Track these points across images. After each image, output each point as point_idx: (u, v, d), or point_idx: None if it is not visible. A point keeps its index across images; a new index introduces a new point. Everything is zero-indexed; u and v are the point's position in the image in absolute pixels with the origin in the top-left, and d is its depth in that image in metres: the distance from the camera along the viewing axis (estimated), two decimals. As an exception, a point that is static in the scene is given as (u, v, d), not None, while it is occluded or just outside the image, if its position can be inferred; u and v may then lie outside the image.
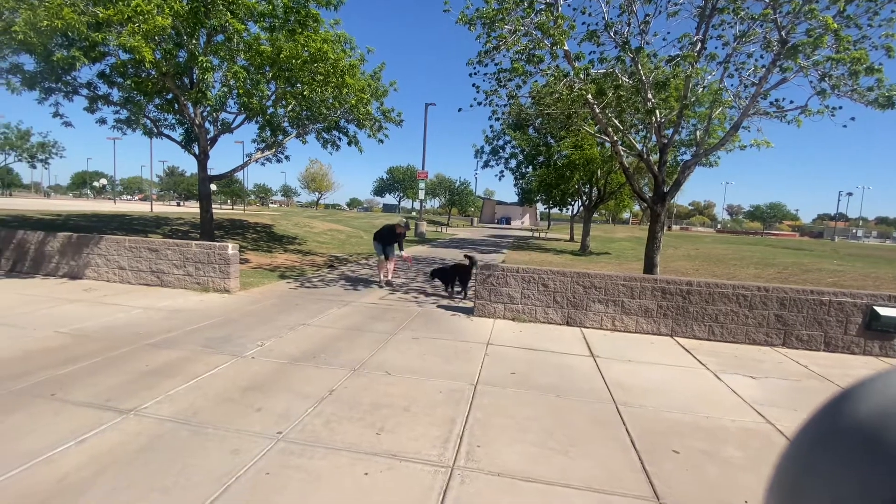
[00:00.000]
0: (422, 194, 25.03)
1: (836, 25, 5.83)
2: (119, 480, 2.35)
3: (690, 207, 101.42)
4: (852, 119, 6.94)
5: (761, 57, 7.04)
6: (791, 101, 7.09)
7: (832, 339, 5.58)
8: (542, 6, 6.79)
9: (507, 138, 20.50)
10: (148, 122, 11.49)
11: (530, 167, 21.75)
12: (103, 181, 78.00)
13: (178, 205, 56.87)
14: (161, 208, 33.43)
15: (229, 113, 11.00)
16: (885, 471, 0.27)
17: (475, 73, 7.93)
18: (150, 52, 7.48)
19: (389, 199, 80.00)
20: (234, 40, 8.87)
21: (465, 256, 8.30)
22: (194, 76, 9.65)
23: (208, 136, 10.89)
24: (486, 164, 22.12)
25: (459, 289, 8.00)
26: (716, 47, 7.21)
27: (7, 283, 7.23)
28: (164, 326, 5.16)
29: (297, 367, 4.05)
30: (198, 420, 3.02)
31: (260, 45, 8.92)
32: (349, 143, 12.58)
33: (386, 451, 2.71)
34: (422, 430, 3.01)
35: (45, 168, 26.17)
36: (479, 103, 8.37)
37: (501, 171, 20.90)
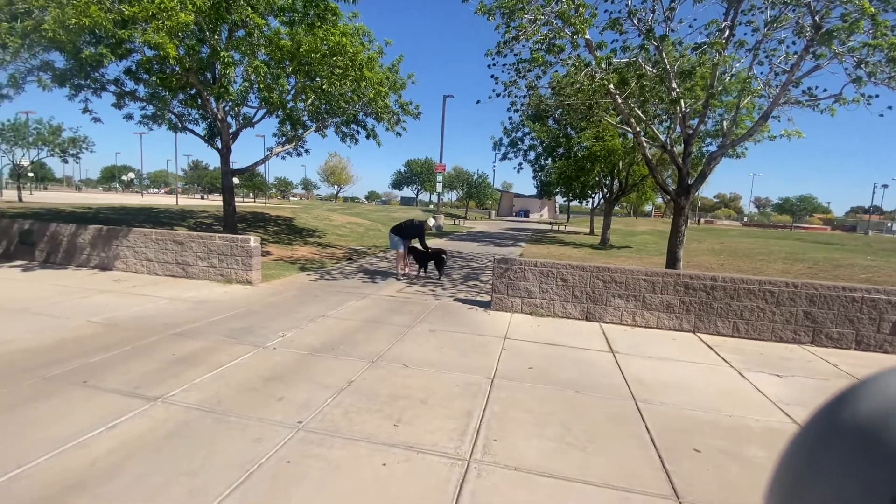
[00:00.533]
0: (439, 187, 25.00)
1: (872, 9, 5.54)
2: (147, 465, 2.44)
3: (715, 200, 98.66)
4: (889, 108, 6.63)
5: (793, 43, 6.77)
6: (824, 90, 6.81)
7: (864, 337, 5.37)
8: (564, -6, 6.65)
9: (526, 130, 20.25)
10: (172, 117, 11.76)
11: (549, 159, 21.45)
12: (131, 175, 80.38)
13: (202, 198, 58.24)
14: (186, 201, 34.29)
15: (250, 107, 11.18)
16: (887, 470, 0.27)
17: (494, 64, 7.84)
18: (174, 49, 7.63)
19: (407, 192, 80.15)
20: (255, 35, 8.97)
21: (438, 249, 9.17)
22: (216, 71, 9.82)
23: (230, 131, 11.08)
24: (504, 157, 21.92)
25: (433, 270, 9.04)
26: (745, 34, 6.94)
27: (42, 274, 7.54)
28: (189, 317, 5.31)
29: (317, 358, 4.12)
30: (222, 408, 3.11)
31: (280, 40, 9.00)
32: (367, 137, 12.63)
33: (403, 443, 2.74)
34: (439, 422, 3.03)
35: (76, 162, 27.10)
36: (498, 95, 8.28)
37: (520, 164, 20.66)
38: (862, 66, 6.08)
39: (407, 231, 8.73)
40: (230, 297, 6.45)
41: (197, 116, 12.29)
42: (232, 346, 4.35)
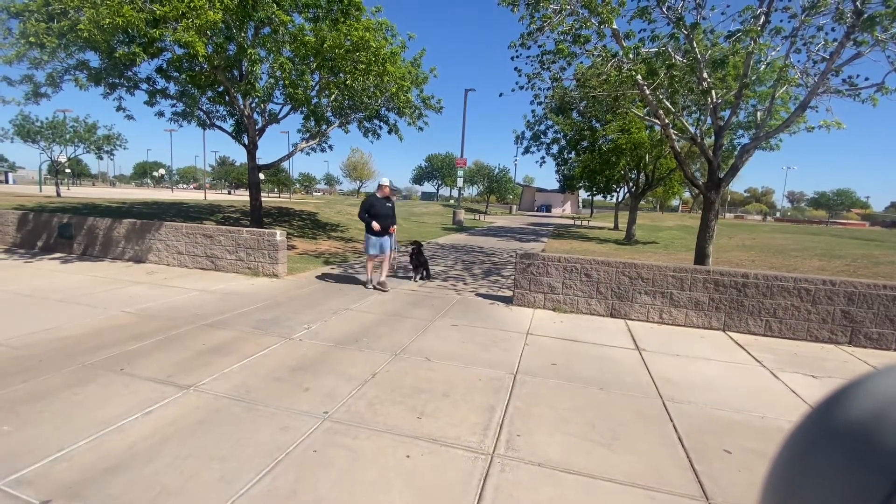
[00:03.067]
0: (460, 182, 24.94)
1: (923, -9, 5.22)
2: (182, 449, 2.53)
3: (746, 194, 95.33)
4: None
5: (833, 30, 6.42)
6: (866, 79, 6.46)
7: (908, 338, 5.11)
8: (590, -17, 6.49)
9: (549, 123, 19.93)
10: (201, 114, 12.07)
11: (573, 153, 21.09)
12: (162, 171, 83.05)
13: (229, 193, 59.74)
14: (214, 196, 35.24)
15: (276, 104, 11.36)
16: (879, 470, 0.27)
17: (517, 57, 7.74)
18: (203, 47, 7.81)
19: (428, 186, 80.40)
20: (280, 32, 9.10)
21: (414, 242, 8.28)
22: (244, 68, 10.01)
23: (257, 127, 11.30)
24: (526, 150, 21.65)
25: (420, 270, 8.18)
26: (781, 20, 6.68)
27: (79, 266, 7.87)
28: (218, 308, 5.46)
29: (341, 350, 4.18)
30: (250, 397, 3.19)
31: (304, 36, 9.10)
32: (389, 132, 12.69)
33: (427, 436, 2.76)
34: (461, 416, 3.04)
35: (111, 159, 28.08)
36: (521, 87, 8.18)
37: (542, 158, 20.34)
38: (908, 52, 5.74)
39: (379, 216, 6.90)
40: (257, 289, 6.61)
41: (224, 113, 12.58)
42: (259, 336, 4.46)
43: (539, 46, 7.51)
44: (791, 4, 6.48)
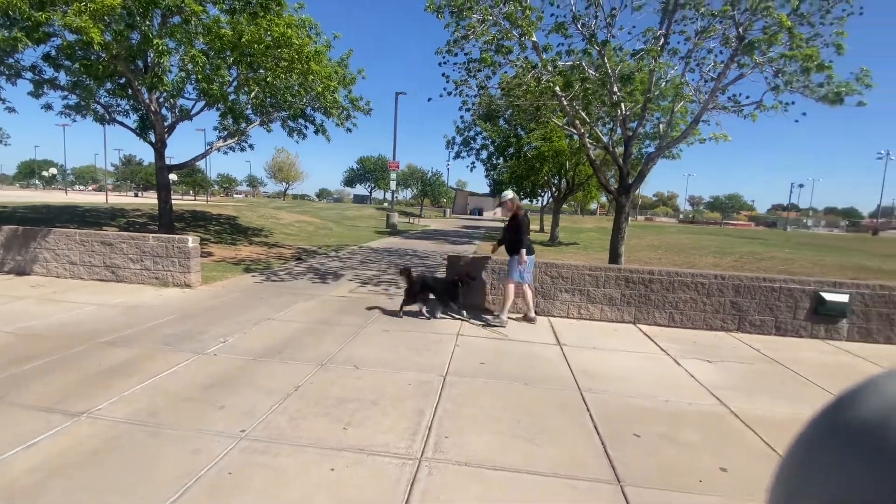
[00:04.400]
0: (393, 185, 24.78)
1: (790, 23, 6.07)
2: (72, 483, 2.24)
3: (655, 198, 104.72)
4: (804, 114, 7.30)
5: (720, 53, 7.27)
6: (747, 97, 7.38)
7: (782, 323, 5.90)
8: (511, -4, 6.77)
9: (478, 129, 20.49)
10: (99, 107, 10.87)
11: (501, 158, 21.84)
12: (53, 171, 73.37)
13: (136, 195, 54.21)
14: (117, 199, 31.80)
15: (188, 99, 10.54)
16: (891, 469, 0.27)
17: (445, 63, 7.85)
18: (99, 34, 7.03)
19: (360, 189, 78.90)
20: (192, 23, 8.46)
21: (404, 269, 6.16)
22: (149, 59, 9.17)
23: (165, 124, 10.40)
24: (457, 155, 22.09)
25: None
26: (678, 42, 7.39)
27: (-58, 281, 6.71)
28: (119, 324, 4.92)
29: (261, 364, 3.95)
30: (156, 421, 2.91)
31: (220, 29, 8.55)
32: (316, 132, 12.29)
33: (353, 446, 2.69)
34: (390, 423, 3.00)
35: (-14, 156, 24.30)
36: (449, 93, 8.31)
37: (473, 163, 20.89)
38: (780, 75, 6.64)
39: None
40: (166, 301, 6.05)
41: (127, 107, 11.43)
42: (168, 353, 4.08)
43: (466, 54, 7.69)
44: (686, 29, 7.24)
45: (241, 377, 3.64)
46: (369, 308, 6.17)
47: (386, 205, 46.28)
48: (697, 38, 7.06)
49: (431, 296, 5.92)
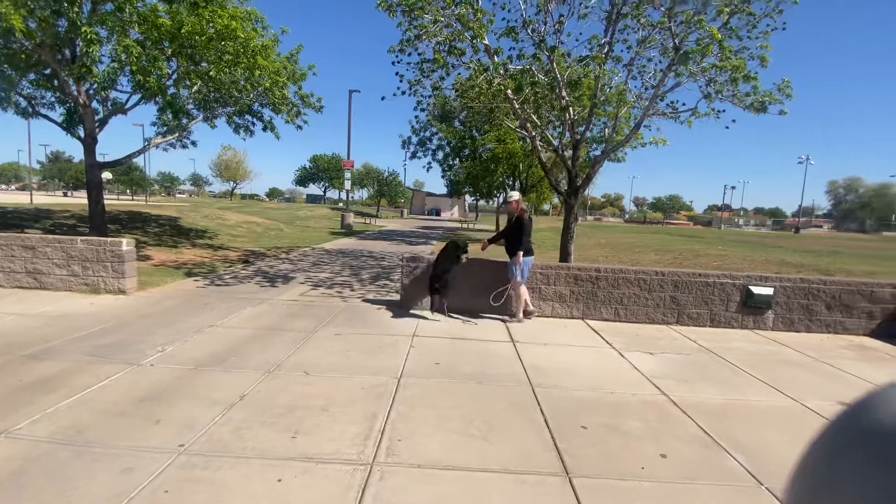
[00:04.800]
0: (348, 184, 24.33)
1: (720, 36, 6.50)
2: (-24, 519, 2.02)
3: (603, 199, 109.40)
4: (734, 121, 7.85)
5: (660, 62, 7.69)
6: (684, 104, 7.86)
7: (716, 315, 6.33)
8: (463, -1, 6.82)
9: (434, 130, 20.55)
10: (21, 100, 9.94)
11: (457, 159, 22.01)
12: (-36, 167, 66.12)
13: (66, 195, 49.95)
14: (44, 199, 29.15)
15: (122, 92, 9.82)
16: None
17: (398, 62, 7.79)
18: (21, 20, 6.42)
19: (314, 189, 76.85)
20: (127, 10, 7.90)
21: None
22: (77, 49, 8.47)
23: (97, 118, 9.66)
24: (413, 156, 22.03)
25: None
26: (621, 50, 7.74)
27: None
28: (43, 335, 4.50)
29: (203, 373, 3.74)
30: (83, 439, 2.68)
31: (157, 18, 8.03)
32: (264, 129, 11.82)
33: (301, 455, 2.61)
34: (341, 429, 2.94)
35: None
36: (403, 93, 8.24)
37: (429, 163, 20.98)
38: (711, 84, 7.11)
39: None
40: (97, 309, 5.61)
41: (53, 100, 10.51)
42: (98, 365, 3.78)
43: (419, 54, 7.66)
44: (628, 38, 7.60)
45: (180, 388, 3.43)
46: (320, 311, 6.02)
47: (341, 205, 45.36)
48: (639, 47, 7.42)
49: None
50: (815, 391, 4.06)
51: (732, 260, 12.60)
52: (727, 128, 7.80)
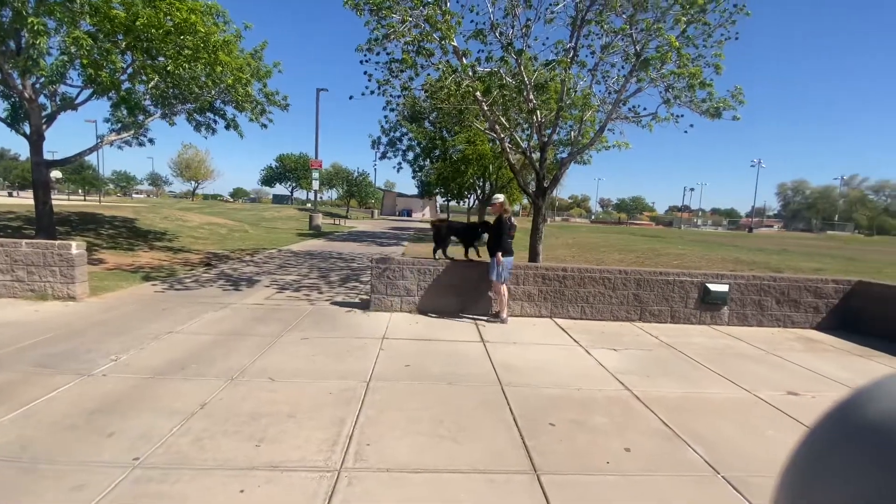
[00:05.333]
0: (316, 185, 23.88)
1: (678, 44, 6.78)
2: None
3: (570, 200, 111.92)
4: (692, 126, 8.20)
5: (622, 68, 7.94)
6: (645, 108, 8.14)
7: (676, 312, 6.58)
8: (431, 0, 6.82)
9: (404, 130, 20.46)
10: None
11: (427, 160, 21.99)
12: None
13: (11, 195, 46.75)
14: (-19, 199, 27.14)
15: (72, 86, 9.29)
16: None
17: (367, 61, 7.70)
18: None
19: (281, 189, 74.96)
20: (77, 1, 7.47)
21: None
22: (23, 41, 7.96)
23: (44, 113, 9.11)
24: (383, 156, 21.85)
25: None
26: (586, 56, 7.94)
27: None
28: (-20, 346, 4.19)
29: (161, 382, 3.58)
30: (28, 455, 2.51)
31: (111, 9, 7.64)
32: (227, 127, 11.46)
33: (266, 464, 2.53)
34: (307, 435, 2.87)
35: None
36: (372, 92, 8.15)
37: (399, 163, 20.85)
38: (670, 90, 7.40)
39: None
40: (43, 317, 5.28)
41: (-6, 94, 9.83)
42: (45, 376, 3.55)
43: (388, 54, 7.60)
44: (592, 43, 7.80)
45: (135, 399, 3.27)
46: (286, 315, 5.88)
47: (309, 205, 44.44)
48: (602, 52, 7.64)
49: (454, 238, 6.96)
50: (766, 382, 4.28)
51: (691, 259, 13.15)
52: (686, 132, 8.14)
